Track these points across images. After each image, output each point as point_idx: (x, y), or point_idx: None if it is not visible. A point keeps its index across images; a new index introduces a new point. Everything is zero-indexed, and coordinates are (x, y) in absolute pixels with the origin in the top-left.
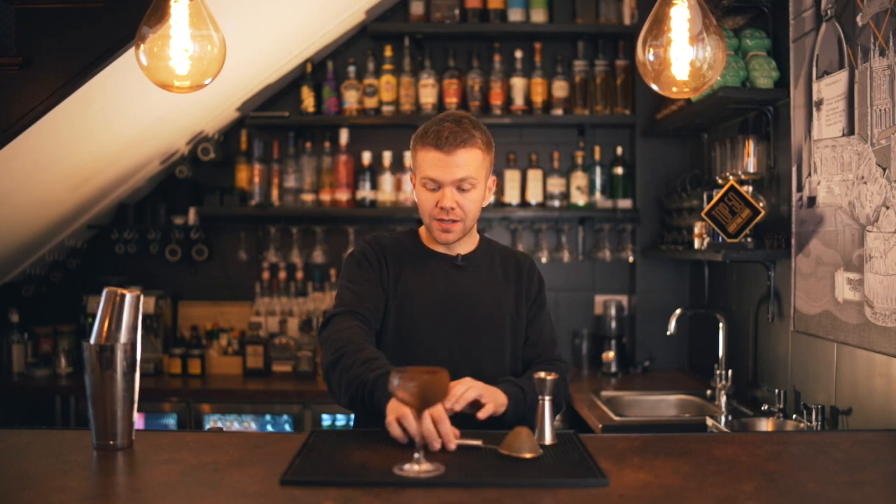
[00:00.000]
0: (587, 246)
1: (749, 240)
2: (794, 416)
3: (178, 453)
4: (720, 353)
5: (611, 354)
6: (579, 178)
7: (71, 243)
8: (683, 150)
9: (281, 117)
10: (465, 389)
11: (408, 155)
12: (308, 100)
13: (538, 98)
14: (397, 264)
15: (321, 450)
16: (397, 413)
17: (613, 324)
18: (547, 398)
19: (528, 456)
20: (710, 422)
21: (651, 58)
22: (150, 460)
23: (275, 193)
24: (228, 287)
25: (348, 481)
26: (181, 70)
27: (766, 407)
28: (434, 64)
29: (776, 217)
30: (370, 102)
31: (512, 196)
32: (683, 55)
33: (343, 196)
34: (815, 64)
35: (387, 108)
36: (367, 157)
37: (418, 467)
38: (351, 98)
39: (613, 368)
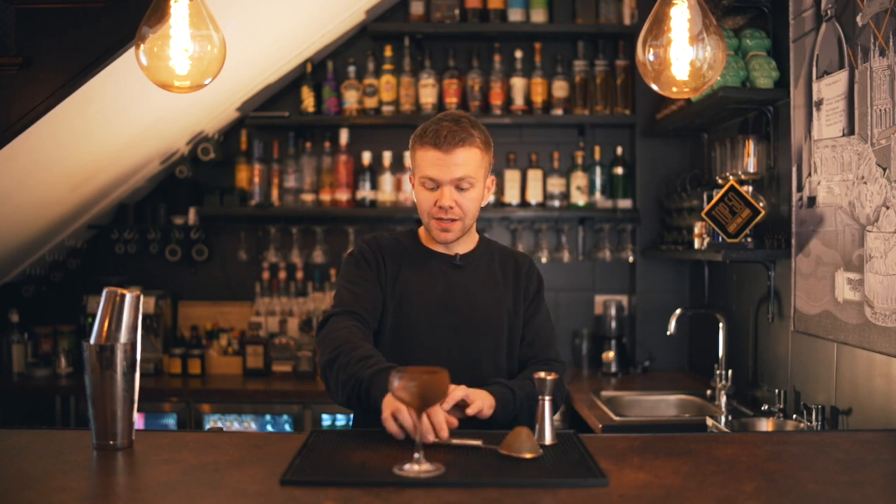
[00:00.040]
0: (587, 246)
1: (749, 240)
2: (794, 416)
3: (178, 453)
4: (720, 353)
5: (611, 354)
6: (579, 178)
7: (71, 243)
8: (683, 150)
9: (281, 117)
10: (452, 389)
11: (407, 155)
12: (308, 100)
13: (538, 98)
14: (396, 264)
15: (321, 450)
16: (392, 408)
17: (613, 324)
18: (547, 398)
19: (528, 456)
20: (710, 422)
21: (651, 58)
22: (150, 460)
23: (275, 193)
24: (228, 287)
25: (348, 481)
26: (181, 70)
27: (766, 407)
28: (434, 64)
29: (776, 217)
30: (370, 102)
31: (512, 196)
32: (683, 55)
33: (343, 196)
34: (815, 64)
35: (387, 108)
36: (367, 157)
37: (418, 467)
38: (351, 98)
39: (613, 368)
